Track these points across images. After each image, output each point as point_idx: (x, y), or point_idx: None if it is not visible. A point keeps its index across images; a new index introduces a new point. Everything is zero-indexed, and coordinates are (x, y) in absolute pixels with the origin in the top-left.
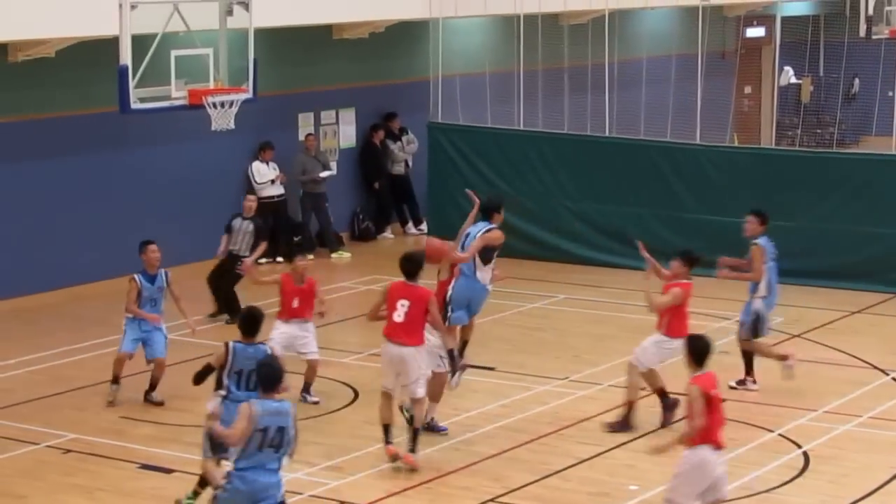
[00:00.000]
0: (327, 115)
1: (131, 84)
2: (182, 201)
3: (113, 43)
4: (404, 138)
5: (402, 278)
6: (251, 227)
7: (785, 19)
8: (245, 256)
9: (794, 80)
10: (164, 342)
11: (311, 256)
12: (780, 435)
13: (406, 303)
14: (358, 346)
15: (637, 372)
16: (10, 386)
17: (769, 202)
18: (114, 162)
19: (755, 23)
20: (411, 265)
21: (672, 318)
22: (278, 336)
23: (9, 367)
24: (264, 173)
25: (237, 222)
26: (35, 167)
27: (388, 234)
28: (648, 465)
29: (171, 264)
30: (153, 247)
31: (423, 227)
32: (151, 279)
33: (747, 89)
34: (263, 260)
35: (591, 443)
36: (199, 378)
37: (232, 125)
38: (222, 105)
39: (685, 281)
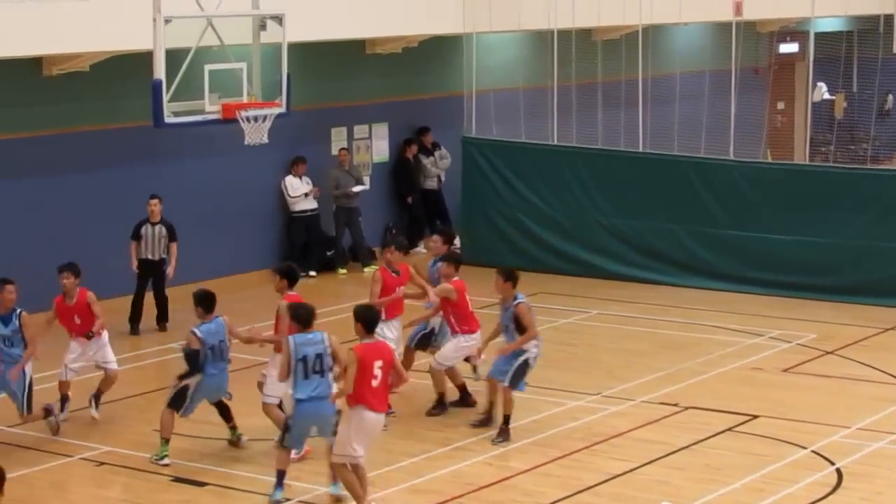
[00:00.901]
0: (360, 130)
1: (165, 98)
2: (215, 215)
3: (147, 57)
4: (437, 153)
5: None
6: (163, 230)
7: (818, 35)
8: (160, 261)
9: (827, 95)
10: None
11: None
12: (813, 452)
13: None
14: None
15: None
16: (45, 399)
17: (802, 218)
18: (147, 176)
19: (788, 39)
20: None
21: (459, 318)
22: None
23: (43, 380)
24: (297, 187)
25: (146, 229)
26: (69, 180)
27: (420, 248)
28: (680, 482)
29: (205, 278)
30: (10, 287)
31: (456, 242)
32: (4, 321)
33: (780, 105)
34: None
35: (622, 459)
36: (192, 363)
37: (265, 139)
38: (256, 119)
39: (456, 279)
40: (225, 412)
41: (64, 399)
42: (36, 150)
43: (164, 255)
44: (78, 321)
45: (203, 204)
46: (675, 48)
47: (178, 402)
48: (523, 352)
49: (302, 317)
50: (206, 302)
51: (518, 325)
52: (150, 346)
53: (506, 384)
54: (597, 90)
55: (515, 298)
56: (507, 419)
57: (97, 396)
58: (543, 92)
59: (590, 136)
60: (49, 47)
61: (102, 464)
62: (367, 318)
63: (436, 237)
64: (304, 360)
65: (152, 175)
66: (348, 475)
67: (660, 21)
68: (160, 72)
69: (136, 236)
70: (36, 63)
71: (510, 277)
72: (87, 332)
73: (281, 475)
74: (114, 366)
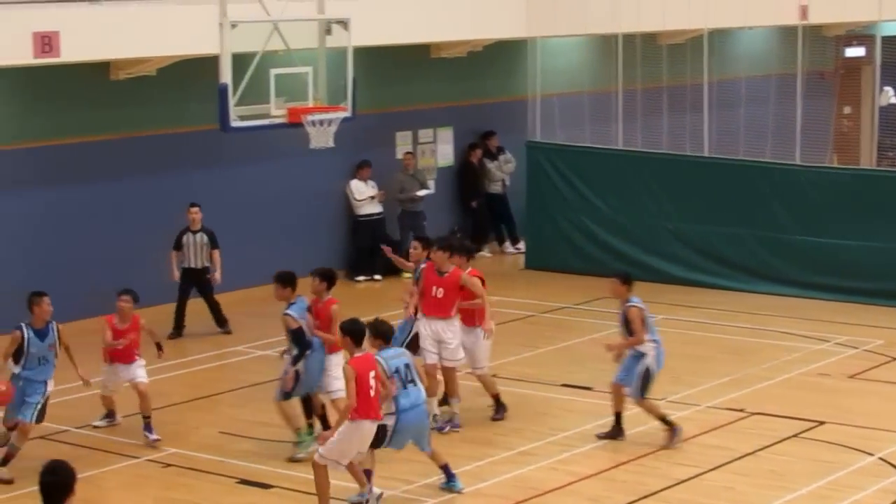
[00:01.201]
0: (425, 134)
1: (231, 102)
2: (281, 220)
3: (213, 62)
4: (501, 157)
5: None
6: (204, 238)
7: (885, 39)
8: (203, 269)
9: (894, 100)
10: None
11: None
12: (879, 459)
13: None
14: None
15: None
16: (157, 389)
17: (869, 223)
18: (213, 180)
19: (855, 42)
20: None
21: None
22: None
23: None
24: (362, 191)
25: (187, 238)
26: (135, 184)
27: (485, 252)
28: (746, 488)
29: (267, 281)
30: (46, 299)
31: (521, 245)
32: (41, 334)
33: (847, 109)
34: (362, 277)
35: (688, 464)
36: (302, 341)
37: (331, 143)
38: (321, 123)
39: (471, 269)
40: (309, 407)
41: (110, 414)
42: (103, 153)
43: (206, 264)
44: (121, 346)
45: (268, 208)
46: (740, 52)
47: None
48: (642, 357)
49: (385, 332)
50: (291, 282)
51: (628, 328)
52: (212, 350)
53: (635, 397)
54: (662, 94)
55: (629, 301)
56: (618, 417)
57: (147, 422)
58: (608, 96)
59: (655, 140)
60: (117, 52)
61: (169, 465)
62: (354, 332)
63: (415, 243)
64: (397, 372)
65: (218, 179)
66: (323, 477)
67: (725, 25)
68: (226, 76)
69: (178, 245)
70: (104, 67)
71: (626, 280)
72: (132, 359)
73: (368, 475)
74: (144, 380)
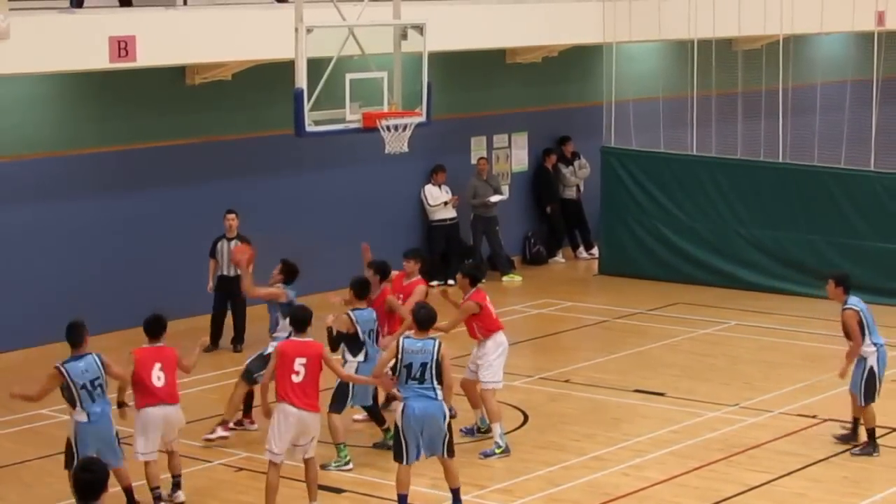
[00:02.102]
0: (500, 139)
1: (306, 107)
2: (356, 224)
3: (289, 66)
4: (576, 163)
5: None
6: (239, 245)
7: None
8: (236, 277)
9: None
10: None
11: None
12: None
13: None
14: (528, 369)
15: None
16: (184, 404)
17: None
18: (289, 184)
19: None
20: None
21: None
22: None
23: (184, 386)
24: (437, 196)
25: (222, 245)
26: (211, 189)
27: (559, 258)
28: (819, 494)
29: (344, 285)
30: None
31: (595, 251)
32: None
33: None
34: (435, 283)
35: (761, 470)
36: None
37: (405, 148)
38: (396, 128)
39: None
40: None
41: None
42: (179, 158)
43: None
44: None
45: (343, 212)
46: (816, 58)
47: (340, 400)
48: (863, 362)
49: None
50: (361, 288)
51: (846, 332)
52: None
53: (859, 404)
54: (737, 100)
55: (845, 304)
56: (871, 433)
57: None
58: (683, 102)
59: (729, 146)
60: (193, 56)
61: (241, 469)
62: (296, 318)
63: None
64: (409, 366)
65: (293, 184)
66: (270, 477)
67: (801, 31)
68: (302, 81)
69: (214, 253)
70: (180, 72)
71: (841, 281)
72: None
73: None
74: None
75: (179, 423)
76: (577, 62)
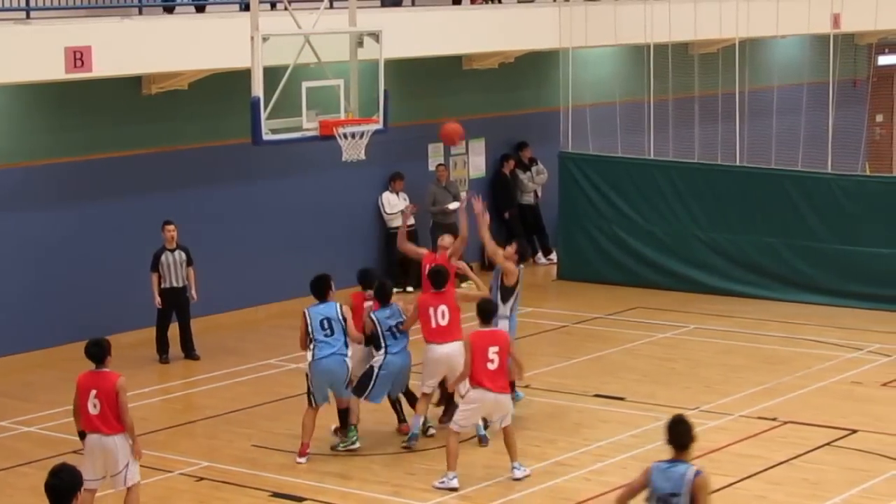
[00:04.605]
0: (457, 146)
1: (263, 116)
2: (314, 232)
3: (245, 75)
4: (534, 168)
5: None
6: (182, 255)
7: None
8: (182, 288)
9: None
10: None
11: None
12: None
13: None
14: None
15: None
16: (145, 414)
17: None
18: (246, 193)
19: (887, 51)
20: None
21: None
22: None
23: (144, 396)
24: (394, 204)
25: (165, 257)
26: (167, 198)
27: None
28: (780, 496)
29: (302, 295)
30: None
31: (553, 256)
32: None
33: (879, 117)
34: (395, 289)
35: (721, 473)
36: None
37: (363, 156)
38: (353, 136)
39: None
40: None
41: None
42: (135, 168)
43: (186, 282)
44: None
45: (301, 220)
46: (772, 61)
47: (363, 384)
48: None
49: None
50: (379, 293)
51: None
52: (245, 363)
53: None
54: (693, 104)
55: None
56: None
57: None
58: (640, 106)
59: (686, 150)
60: (149, 66)
61: (202, 479)
62: (483, 309)
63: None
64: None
65: (250, 193)
66: (451, 443)
67: (757, 34)
68: (258, 89)
69: (157, 266)
70: (136, 82)
71: None
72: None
73: None
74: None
75: (116, 456)
76: (534, 68)
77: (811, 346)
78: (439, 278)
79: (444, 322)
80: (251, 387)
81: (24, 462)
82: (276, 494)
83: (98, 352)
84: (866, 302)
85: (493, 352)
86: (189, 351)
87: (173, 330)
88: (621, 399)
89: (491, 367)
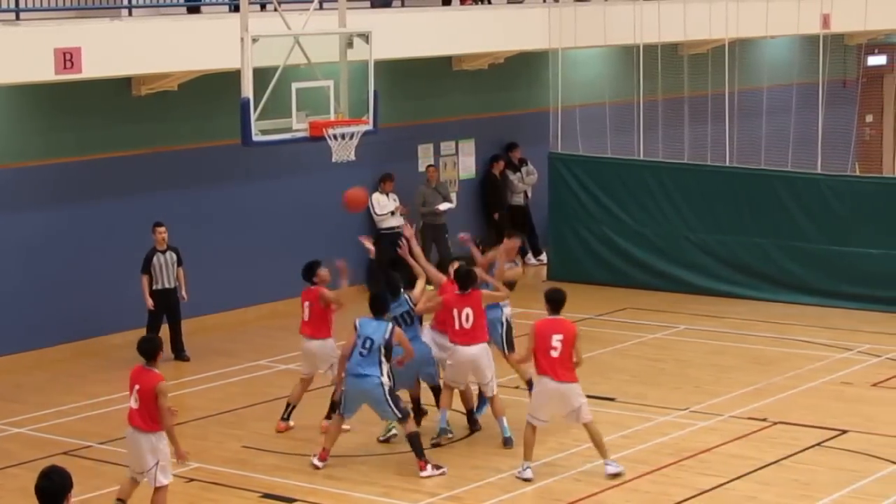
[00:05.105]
0: (447, 147)
1: (253, 116)
2: (304, 233)
3: (235, 76)
4: (524, 169)
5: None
6: (173, 257)
7: None
8: (173, 289)
9: None
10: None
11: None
12: None
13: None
14: None
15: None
16: None
17: (891, 231)
18: (236, 194)
19: (877, 51)
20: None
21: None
22: None
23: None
24: (384, 205)
25: (157, 258)
26: (157, 199)
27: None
28: (770, 497)
29: (293, 296)
30: None
31: (543, 257)
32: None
33: (869, 118)
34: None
35: (711, 474)
36: None
37: (352, 157)
38: (343, 137)
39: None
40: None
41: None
42: (125, 169)
43: (177, 283)
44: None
45: (291, 221)
46: (762, 62)
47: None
48: None
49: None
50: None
51: None
52: (236, 364)
53: None
54: (683, 104)
55: None
56: None
57: None
58: (629, 107)
59: (676, 150)
60: (139, 67)
61: (192, 480)
62: (552, 299)
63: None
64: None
65: (240, 193)
66: (527, 434)
67: (746, 35)
68: (248, 90)
69: (148, 268)
70: (125, 83)
71: None
72: None
73: None
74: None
75: (144, 455)
76: (524, 68)
77: (801, 346)
78: (467, 280)
79: (468, 325)
80: (241, 388)
81: (14, 464)
82: (266, 495)
83: (149, 348)
84: (856, 302)
85: (556, 339)
86: (179, 352)
87: (164, 331)
88: (611, 400)
89: (553, 354)
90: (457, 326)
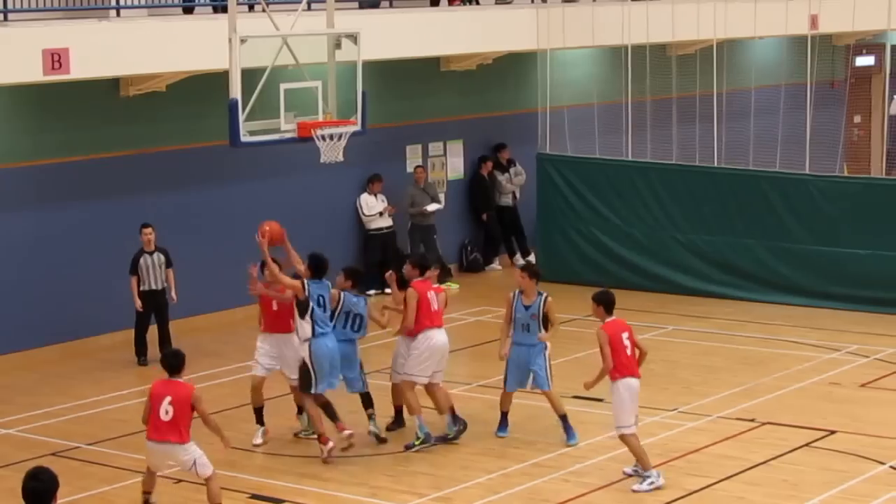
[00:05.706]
0: (435, 147)
1: (241, 117)
2: (292, 234)
3: (223, 77)
4: (512, 170)
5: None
6: (161, 257)
7: (895, 48)
8: (162, 290)
9: None
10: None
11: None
12: (891, 467)
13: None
14: (467, 376)
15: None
16: (124, 416)
17: (879, 232)
18: (224, 195)
19: (865, 52)
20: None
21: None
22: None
23: (122, 398)
24: (373, 206)
25: (144, 260)
26: (145, 200)
27: (496, 265)
28: (759, 497)
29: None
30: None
31: (531, 258)
32: None
33: (857, 118)
34: (372, 291)
35: (700, 475)
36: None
37: (341, 158)
38: (331, 138)
39: None
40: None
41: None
42: (113, 170)
43: (165, 284)
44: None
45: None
46: (750, 62)
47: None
48: None
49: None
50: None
51: None
52: (223, 365)
53: None
54: (671, 105)
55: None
56: None
57: None
58: (618, 108)
59: (664, 151)
60: (127, 68)
61: (180, 481)
62: (603, 301)
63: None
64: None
65: (229, 194)
66: (633, 443)
67: (735, 35)
68: (236, 91)
69: (136, 269)
70: (114, 84)
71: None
72: None
73: None
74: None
75: (182, 461)
76: (512, 69)
77: (789, 347)
78: (425, 263)
79: (436, 306)
80: (229, 389)
81: (3, 465)
82: (254, 496)
83: (176, 363)
84: (844, 303)
85: (625, 338)
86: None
87: (152, 332)
88: (600, 400)
89: (628, 352)
90: (433, 308)
